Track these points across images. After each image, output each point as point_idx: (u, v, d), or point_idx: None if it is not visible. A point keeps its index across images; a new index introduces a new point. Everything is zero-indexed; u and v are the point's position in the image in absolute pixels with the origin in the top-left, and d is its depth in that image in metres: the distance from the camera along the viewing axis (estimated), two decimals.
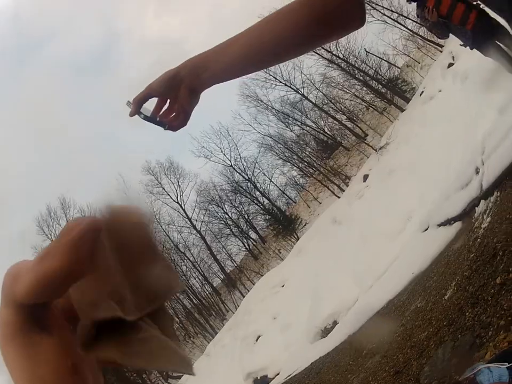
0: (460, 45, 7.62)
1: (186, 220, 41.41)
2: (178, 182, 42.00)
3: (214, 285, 41.44)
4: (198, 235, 41.13)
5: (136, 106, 1.19)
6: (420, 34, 35.77)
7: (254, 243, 42.86)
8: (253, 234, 43.23)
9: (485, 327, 4.10)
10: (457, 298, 5.27)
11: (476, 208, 6.71)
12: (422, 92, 23.02)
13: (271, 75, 39.78)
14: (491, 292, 4.41)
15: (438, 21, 6.39)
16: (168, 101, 1.22)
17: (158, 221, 39.07)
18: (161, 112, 1.25)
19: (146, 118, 1.23)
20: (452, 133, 10.73)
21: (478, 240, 5.77)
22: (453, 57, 17.82)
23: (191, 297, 39.66)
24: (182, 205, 41.46)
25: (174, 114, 1.23)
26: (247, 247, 42.68)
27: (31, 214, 48.78)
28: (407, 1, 7.02)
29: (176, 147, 67.97)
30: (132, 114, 1.20)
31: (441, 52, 28.90)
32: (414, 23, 35.39)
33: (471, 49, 6.94)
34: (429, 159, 11.89)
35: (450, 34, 7.01)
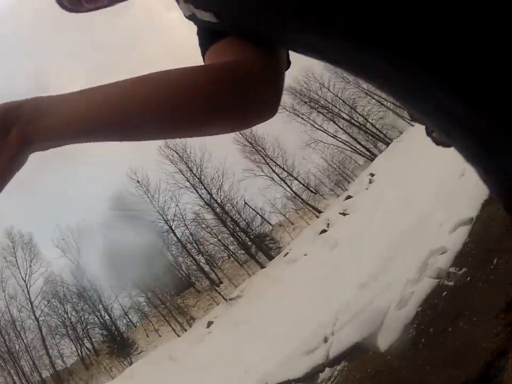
0: None
1: (28, 302, 39.74)
2: (31, 261, 41.01)
3: (43, 376, 38.85)
4: (36, 322, 39.43)
5: None
6: (302, 197, 38.48)
7: (88, 352, 40.84)
8: (87, 343, 41.41)
9: None
10: None
11: (320, 373, 6.67)
12: (287, 253, 24.00)
13: (148, 197, 40.31)
14: None
15: None
16: None
17: (3, 289, 38.65)
18: None
19: None
20: (308, 298, 10.93)
21: None
22: (328, 225, 18.96)
23: (20, 376, 37.41)
24: (28, 286, 40.11)
25: None
26: (80, 353, 40.41)
27: None
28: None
29: (42, 225, 64.40)
30: None
31: (317, 217, 31.00)
32: (300, 185, 38.39)
33: None
34: (279, 320, 11.93)
35: None
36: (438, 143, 6.28)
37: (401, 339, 5.26)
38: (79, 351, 40.76)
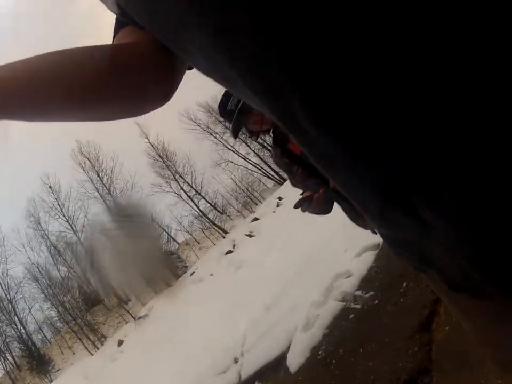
0: None
1: None
2: None
3: None
4: None
5: None
6: (209, 216, 38.36)
7: (11, 367, 37.73)
8: (9, 357, 38.09)
9: None
10: None
11: None
12: (193, 272, 23.84)
13: (59, 204, 38.78)
14: None
15: None
16: None
17: None
18: None
19: None
20: (215, 318, 10.90)
21: None
22: (234, 246, 19.08)
23: None
24: None
25: None
26: (4, 367, 37.27)
27: None
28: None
29: None
30: None
31: (224, 237, 31.02)
32: (207, 205, 38.37)
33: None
34: (187, 340, 11.80)
35: None
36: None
37: (310, 360, 5.32)
38: (3, 364, 37.88)
